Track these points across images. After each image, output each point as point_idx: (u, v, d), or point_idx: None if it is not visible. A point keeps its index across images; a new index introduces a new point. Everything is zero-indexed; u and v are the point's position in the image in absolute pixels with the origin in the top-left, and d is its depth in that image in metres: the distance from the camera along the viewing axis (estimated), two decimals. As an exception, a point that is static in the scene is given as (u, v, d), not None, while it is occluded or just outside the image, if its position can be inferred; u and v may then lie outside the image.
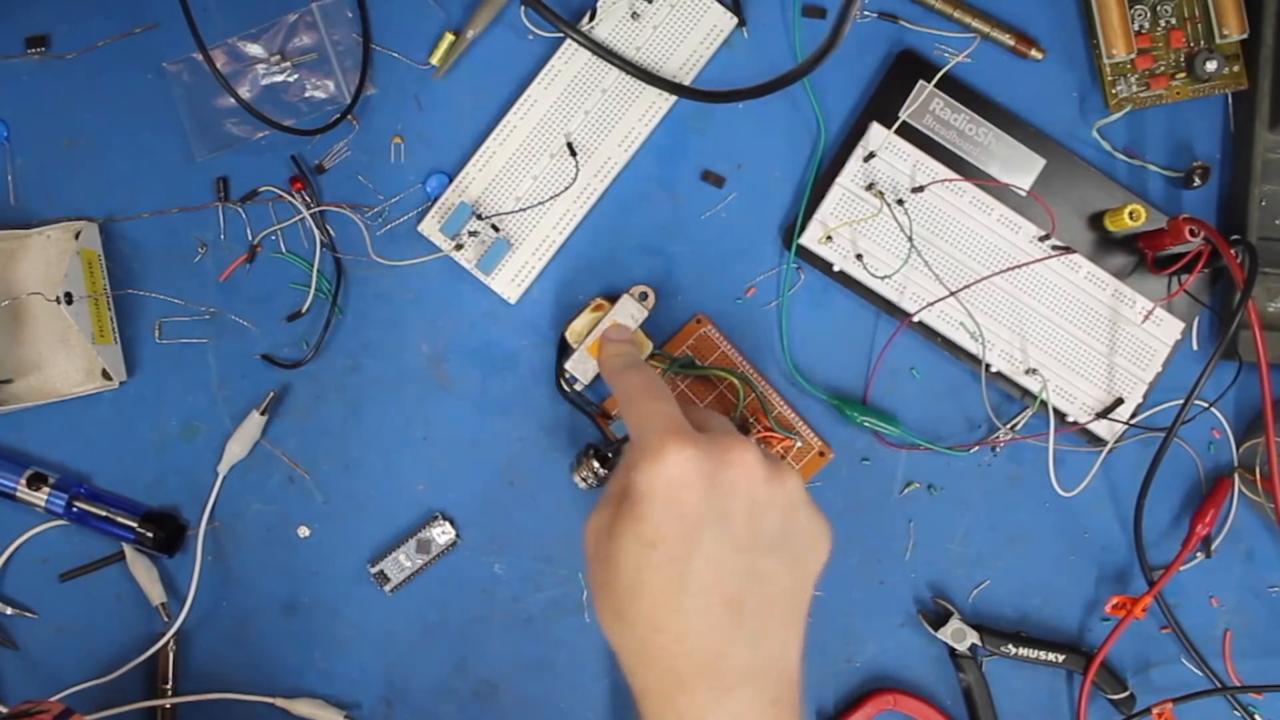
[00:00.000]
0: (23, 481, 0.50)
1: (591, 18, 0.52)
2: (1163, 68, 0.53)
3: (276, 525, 0.53)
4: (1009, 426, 0.53)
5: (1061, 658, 0.54)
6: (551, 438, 0.53)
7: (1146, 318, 0.52)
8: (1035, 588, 0.55)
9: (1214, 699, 0.54)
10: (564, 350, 0.52)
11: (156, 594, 0.51)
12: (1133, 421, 0.53)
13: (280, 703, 0.52)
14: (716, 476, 0.39)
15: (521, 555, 0.53)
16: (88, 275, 0.50)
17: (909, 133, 0.52)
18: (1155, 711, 0.53)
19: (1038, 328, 0.52)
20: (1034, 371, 0.52)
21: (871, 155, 0.51)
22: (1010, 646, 0.53)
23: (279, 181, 0.52)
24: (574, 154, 0.52)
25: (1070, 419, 0.52)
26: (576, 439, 0.53)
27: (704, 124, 0.53)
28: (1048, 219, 0.52)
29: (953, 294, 0.52)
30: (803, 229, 0.52)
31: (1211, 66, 0.52)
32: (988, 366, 0.52)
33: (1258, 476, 0.52)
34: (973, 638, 0.53)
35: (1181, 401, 0.50)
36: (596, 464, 0.51)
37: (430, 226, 0.52)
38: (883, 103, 0.52)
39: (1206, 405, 0.54)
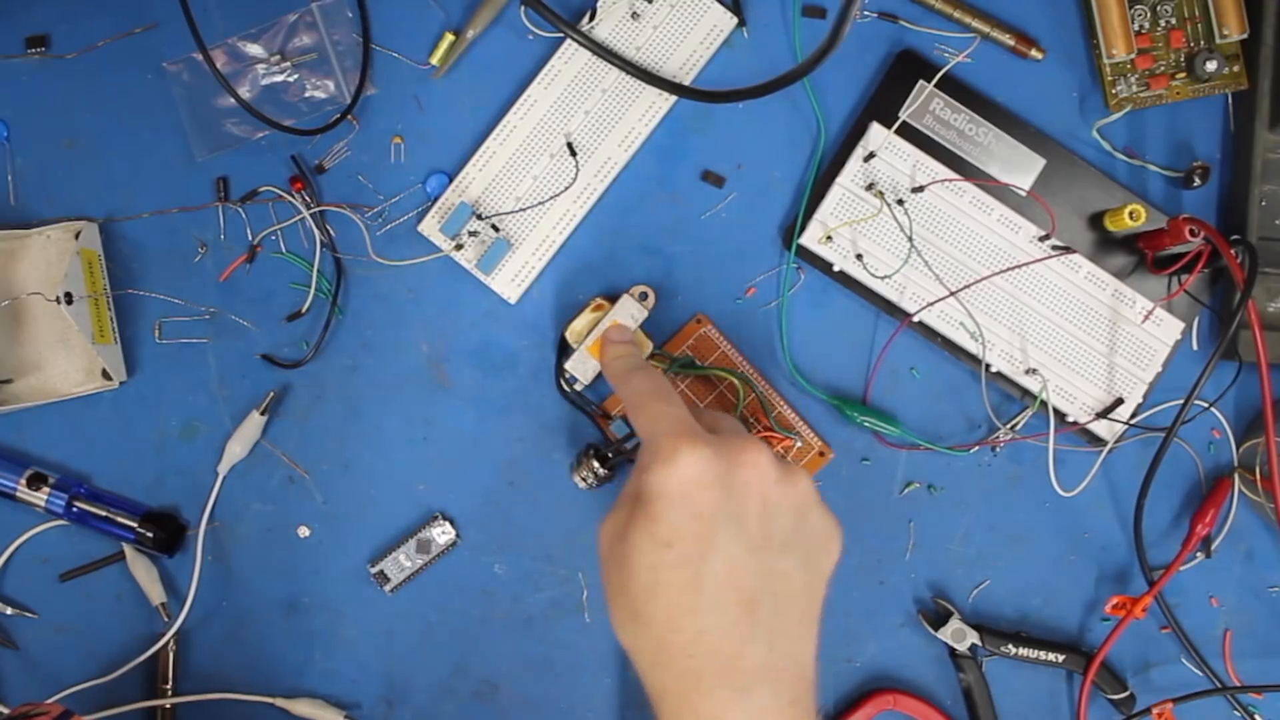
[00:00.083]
0: (23, 481, 0.50)
1: (591, 18, 0.52)
2: (1163, 68, 0.53)
3: (276, 525, 0.53)
4: (1009, 426, 0.53)
5: (1061, 658, 0.54)
6: (551, 438, 0.53)
7: (1146, 318, 0.52)
8: (1035, 588, 0.55)
9: (1214, 699, 0.54)
10: (564, 350, 0.52)
11: (156, 594, 0.51)
12: (1133, 421, 0.53)
13: (280, 703, 0.52)
14: (729, 477, 0.39)
15: (521, 555, 0.53)
16: (88, 275, 0.50)
17: (909, 133, 0.52)
18: (1155, 711, 0.53)
19: (1038, 328, 0.52)
20: (1034, 371, 0.52)
21: (871, 155, 0.51)
22: (1010, 646, 0.53)
23: (279, 181, 0.52)
24: (574, 154, 0.52)
25: (1070, 419, 0.52)
26: (576, 439, 0.53)
27: (704, 124, 0.53)
28: (1048, 219, 0.52)
29: (953, 294, 0.52)
30: (803, 229, 0.52)
31: (1211, 66, 0.52)
32: (988, 366, 0.52)
33: (1258, 476, 0.52)
34: (973, 638, 0.53)
35: (1181, 401, 0.50)
36: (596, 464, 0.51)
37: (430, 226, 0.52)
38: (883, 103, 0.52)
39: (1206, 405, 0.54)
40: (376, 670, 0.53)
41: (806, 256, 0.52)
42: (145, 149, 0.52)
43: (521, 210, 0.52)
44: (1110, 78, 0.53)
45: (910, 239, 0.52)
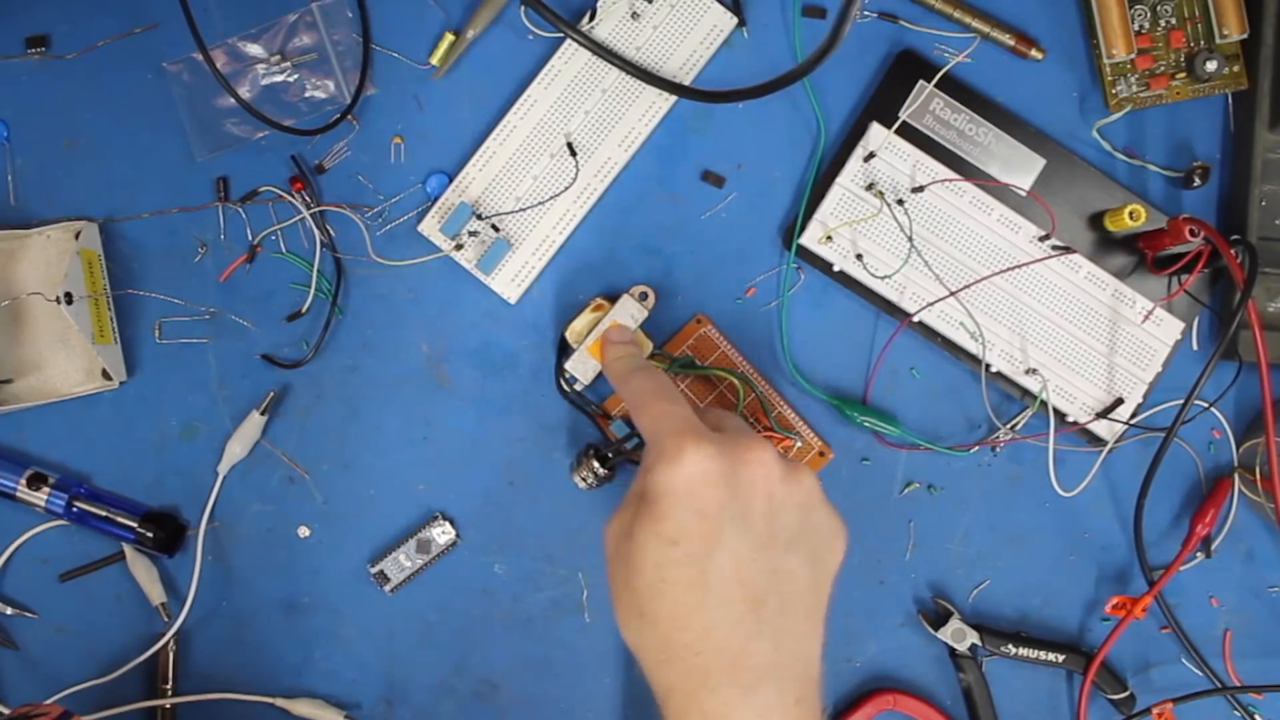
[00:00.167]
0: (23, 481, 0.50)
1: (591, 18, 0.52)
2: (1163, 68, 0.53)
3: (276, 525, 0.53)
4: (1009, 426, 0.53)
5: (1061, 658, 0.54)
6: (551, 438, 0.53)
7: (1146, 318, 0.52)
8: (1035, 588, 0.55)
9: (1214, 699, 0.54)
10: (564, 350, 0.52)
11: (156, 594, 0.51)
12: (1133, 421, 0.53)
13: (280, 703, 0.52)
14: (735, 475, 0.39)
15: (521, 555, 0.53)
16: (88, 275, 0.50)
17: (909, 133, 0.52)
18: (1155, 711, 0.53)
19: (1038, 328, 0.52)
20: (1034, 371, 0.52)
21: (871, 155, 0.51)
22: (1010, 646, 0.53)
23: (279, 181, 0.52)
24: (574, 154, 0.52)
25: (1070, 419, 0.52)
26: (576, 439, 0.53)
27: (704, 124, 0.53)
28: (1048, 219, 0.52)
29: (953, 294, 0.52)
30: (803, 229, 0.52)
31: (1211, 66, 0.52)
32: (988, 366, 0.52)
33: (1258, 476, 0.52)
34: (973, 638, 0.53)
35: (1181, 401, 0.50)
36: (596, 464, 0.51)
37: (430, 226, 0.52)
38: (883, 103, 0.52)
39: (1206, 405, 0.54)
40: (376, 670, 0.53)
41: (806, 256, 0.52)
42: (145, 149, 0.52)
43: (521, 210, 0.52)
44: (1110, 78, 0.53)
45: (910, 239, 0.52)
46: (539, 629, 0.53)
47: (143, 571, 0.51)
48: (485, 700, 0.53)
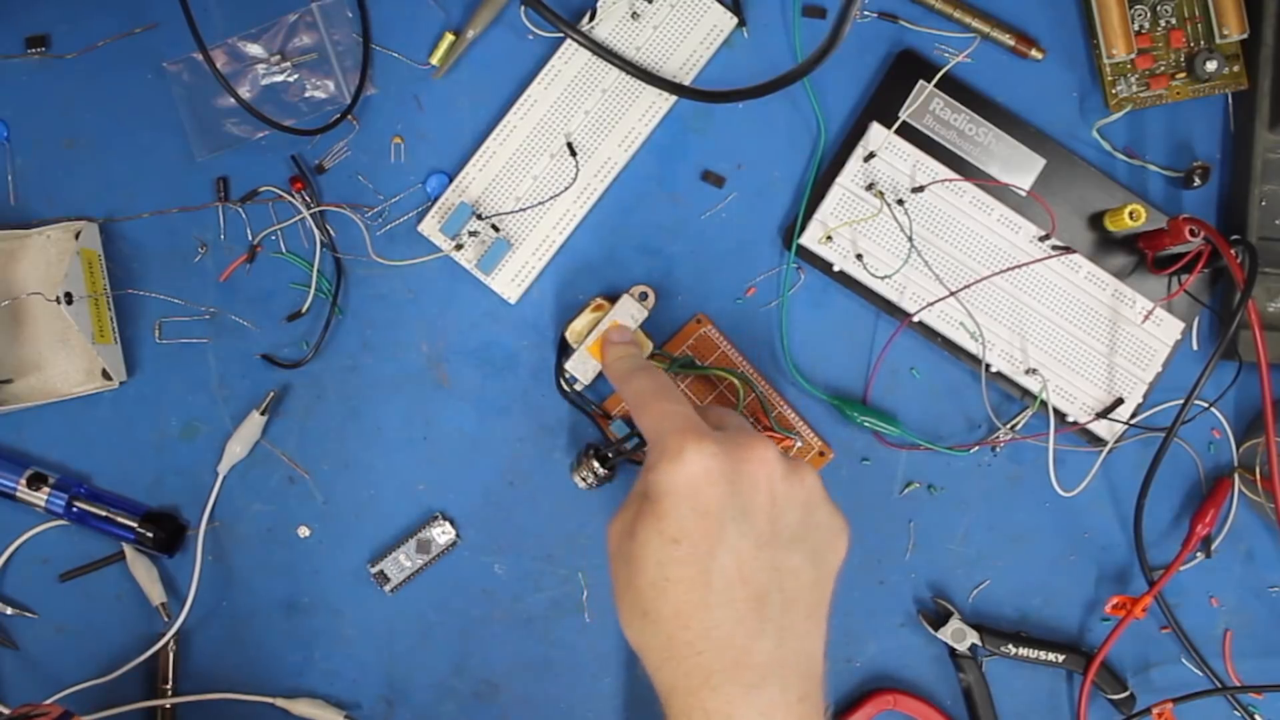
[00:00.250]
0: (23, 481, 0.50)
1: (591, 18, 0.52)
2: (1163, 68, 0.53)
3: (276, 525, 0.53)
4: (1009, 426, 0.53)
5: (1061, 658, 0.54)
6: (551, 438, 0.53)
7: (1146, 318, 0.52)
8: (1035, 588, 0.55)
9: (1214, 699, 0.54)
10: (564, 350, 0.52)
11: (156, 594, 0.51)
12: (1133, 421, 0.53)
13: (280, 703, 0.52)
14: (737, 473, 0.39)
15: (521, 555, 0.53)
16: (88, 275, 0.50)
17: (909, 133, 0.52)
18: (1155, 711, 0.53)
19: (1038, 328, 0.52)
20: (1034, 371, 0.52)
21: (871, 155, 0.51)
22: (1010, 646, 0.53)
23: (279, 181, 0.52)
24: (574, 154, 0.52)
25: (1070, 419, 0.52)
26: (576, 439, 0.53)
27: (704, 124, 0.53)
28: (1048, 219, 0.52)
29: (953, 294, 0.52)
30: (803, 229, 0.52)
31: (1211, 66, 0.52)
32: (988, 366, 0.52)
33: (1258, 476, 0.52)
34: (973, 638, 0.53)
35: (1181, 401, 0.50)
36: (596, 464, 0.51)
37: (430, 226, 0.52)
38: (883, 103, 0.52)
39: (1206, 405, 0.54)
40: (376, 670, 0.53)
41: (806, 256, 0.52)
42: (145, 149, 0.52)
43: (521, 210, 0.52)
44: (1110, 78, 0.53)
45: (910, 239, 0.52)
46: (539, 629, 0.53)
47: (143, 571, 0.51)
48: (485, 700, 0.53)
